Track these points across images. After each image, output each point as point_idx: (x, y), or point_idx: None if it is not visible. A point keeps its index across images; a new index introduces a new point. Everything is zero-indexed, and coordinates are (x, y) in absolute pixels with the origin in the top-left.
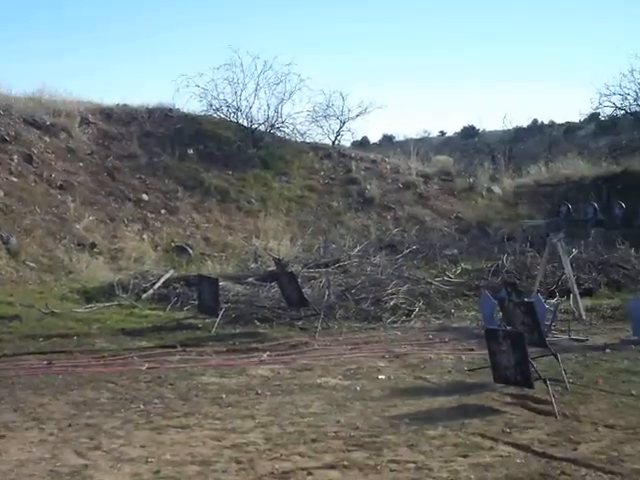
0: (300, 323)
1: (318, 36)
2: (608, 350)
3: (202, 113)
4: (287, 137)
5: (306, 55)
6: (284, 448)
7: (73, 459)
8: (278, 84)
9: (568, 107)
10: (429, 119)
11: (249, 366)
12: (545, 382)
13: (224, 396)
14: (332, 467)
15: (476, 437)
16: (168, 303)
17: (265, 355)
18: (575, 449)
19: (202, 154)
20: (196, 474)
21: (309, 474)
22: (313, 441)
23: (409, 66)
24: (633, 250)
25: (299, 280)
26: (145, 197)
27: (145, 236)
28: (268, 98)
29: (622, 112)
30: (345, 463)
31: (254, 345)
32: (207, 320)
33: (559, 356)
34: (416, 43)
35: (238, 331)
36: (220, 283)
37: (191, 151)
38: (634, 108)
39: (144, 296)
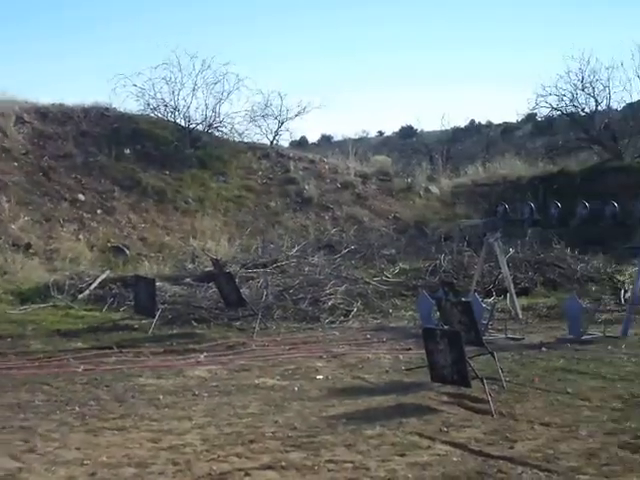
0: (238, 324)
1: (256, 35)
2: (544, 349)
3: (139, 112)
4: (225, 137)
5: (245, 55)
6: (221, 449)
7: (7, 462)
8: (216, 84)
9: (505, 108)
10: (367, 119)
11: (186, 367)
12: (482, 381)
13: (161, 397)
14: (270, 468)
15: (413, 436)
16: (104, 304)
17: (202, 356)
18: (511, 447)
19: (139, 154)
20: (132, 476)
21: (247, 475)
22: (251, 442)
23: (347, 66)
24: (569, 249)
25: (237, 280)
26: (81, 197)
27: (81, 236)
28: (206, 98)
29: (558, 113)
30: (283, 464)
31: (191, 346)
32: (144, 321)
33: (496, 355)
34: (354, 44)
35: (175, 332)
36: (157, 284)
37: (128, 151)
38: (570, 109)
39: (80, 297)
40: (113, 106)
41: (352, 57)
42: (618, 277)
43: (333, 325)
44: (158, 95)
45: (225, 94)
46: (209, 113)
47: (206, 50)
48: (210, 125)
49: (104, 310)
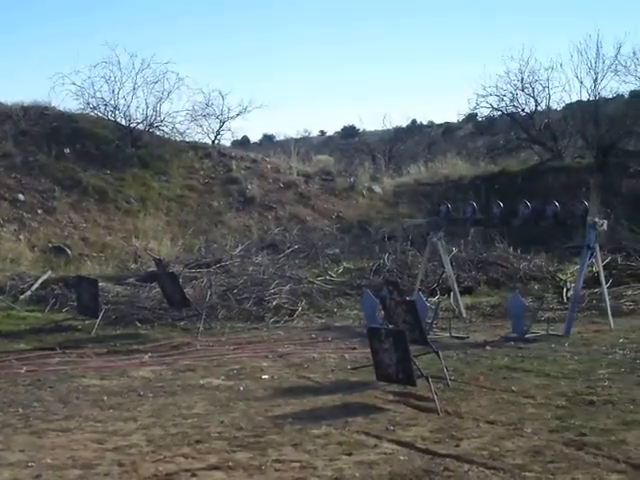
0: (182, 324)
1: (197, 34)
2: (488, 347)
3: (79, 112)
4: (166, 136)
5: (185, 53)
6: (167, 450)
7: None
8: (156, 82)
9: (446, 108)
10: (309, 119)
11: (130, 368)
12: (427, 379)
13: (105, 398)
14: (216, 468)
15: (360, 435)
16: (46, 305)
17: (147, 356)
18: (457, 445)
19: (79, 153)
20: (78, 478)
21: (193, 475)
22: (197, 442)
23: (288, 66)
24: (511, 248)
25: (180, 280)
26: (21, 197)
27: (22, 237)
28: (146, 97)
29: (499, 113)
30: (229, 464)
31: (135, 346)
32: (87, 321)
33: (440, 353)
34: (296, 44)
35: (119, 332)
36: (100, 284)
37: (68, 150)
38: (510, 109)
39: (22, 297)
40: (52, 105)
41: (294, 57)
42: (560, 276)
43: (278, 325)
44: (98, 94)
45: (166, 93)
46: (150, 112)
47: (146, 49)
48: (151, 124)
49: (46, 311)
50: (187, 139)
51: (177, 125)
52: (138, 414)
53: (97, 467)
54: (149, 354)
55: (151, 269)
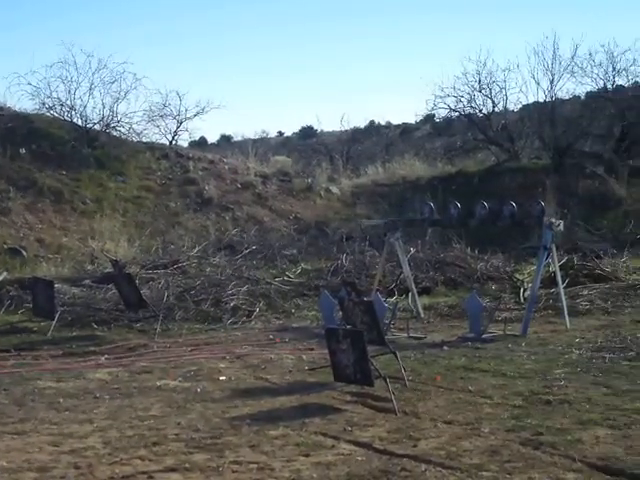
0: (139, 325)
1: (154, 35)
2: (446, 347)
3: (34, 112)
4: (123, 137)
5: (142, 54)
6: (124, 452)
7: None
8: (113, 83)
9: (404, 109)
10: (267, 119)
11: (86, 369)
12: (385, 380)
13: (61, 400)
14: (173, 470)
15: (317, 436)
16: (1, 306)
17: (103, 358)
18: (415, 445)
19: (35, 153)
20: None
21: (150, 478)
22: (153, 444)
23: (246, 66)
24: (469, 249)
25: (137, 282)
26: None
27: None
28: (103, 97)
29: (456, 114)
30: (186, 465)
31: (92, 348)
32: (42, 323)
33: (398, 354)
34: (254, 44)
35: (75, 334)
36: (55, 285)
37: (23, 150)
38: (468, 110)
39: None
40: (8, 105)
41: (251, 57)
42: (517, 276)
43: (235, 326)
44: (54, 94)
45: (123, 93)
46: (106, 112)
47: (103, 50)
48: (108, 125)
49: (1, 312)
50: (144, 140)
51: (134, 126)
52: (94, 416)
53: (53, 470)
54: (105, 356)
55: (108, 270)
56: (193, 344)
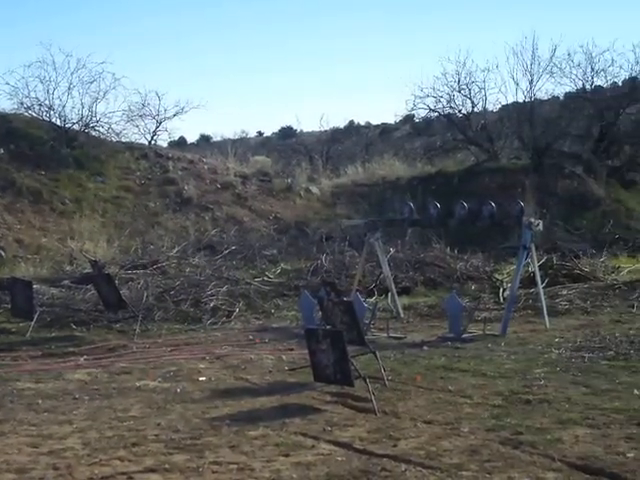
0: (118, 326)
1: (133, 34)
2: (425, 347)
3: (13, 111)
4: (102, 137)
5: (121, 54)
6: (103, 453)
7: None
8: (92, 82)
9: (384, 109)
10: (247, 119)
11: (66, 370)
12: (365, 380)
13: (40, 401)
14: (153, 470)
15: (297, 436)
16: None
17: (82, 359)
18: (395, 445)
19: (13, 154)
20: None
21: (129, 478)
22: (133, 445)
23: (226, 66)
24: (448, 249)
25: (116, 282)
26: None
27: None
28: (82, 97)
29: (436, 114)
30: (166, 466)
31: (71, 349)
32: (21, 324)
33: (378, 354)
34: (234, 44)
35: (54, 335)
36: (34, 286)
37: (1, 150)
38: (447, 110)
39: None
40: None
41: (231, 57)
42: (497, 276)
43: (215, 326)
44: (32, 94)
45: (101, 93)
46: (85, 112)
47: (81, 50)
48: (87, 125)
49: None
50: (123, 140)
51: (113, 125)
52: (73, 417)
53: (32, 471)
54: (85, 356)
55: (87, 271)
56: (173, 344)
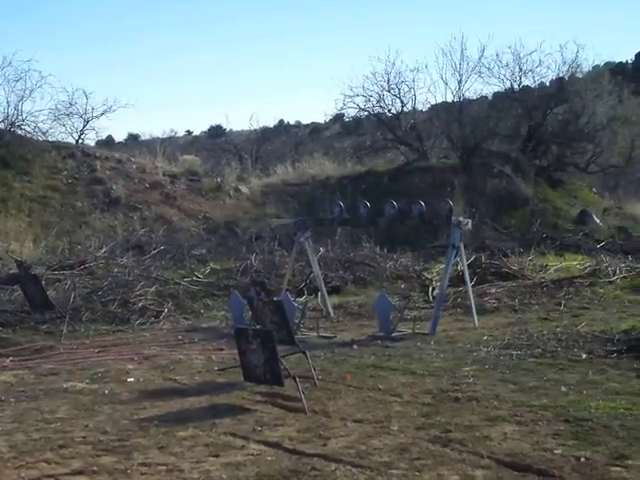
0: (45, 327)
1: (60, 34)
2: (355, 346)
3: None
4: (28, 136)
5: (48, 52)
6: (30, 455)
7: None
8: (18, 81)
9: (314, 108)
10: (176, 118)
11: None
12: (295, 379)
13: None
14: (80, 473)
15: (227, 436)
16: None
17: (8, 360)
18: (325, 444)
19: None
20: None
21: None
22: (60, 447)
23: (154, 65)
24: (378, 248)
25: (43, 282)
26: None
27: None
28: (7, 95)
29: (365, 113)
30: (94, 468)
31: None
32: None
33: (308, 353)
34: (162, 44)
35: None
36: None
37: None
38: (377, 110)
39: None
40: None
41: (159, 57)
42: (426, 275)
43: (144, 327)
44: None
45: (28, 92)
46: (11, 111)
47: (7, 47)
48: (12, 123)
49: None
50: (50, 139)
51: (39, 124)
52: None
53: None
54: (10, 358)
55: (13, 271)
56: (100, 345)
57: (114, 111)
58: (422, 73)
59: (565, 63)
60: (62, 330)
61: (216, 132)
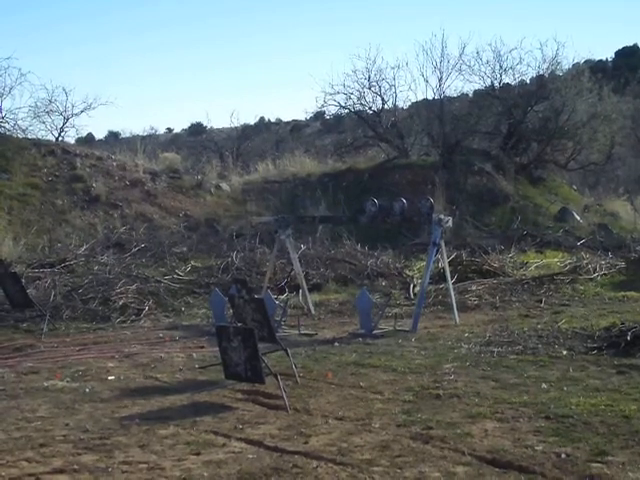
0: (25, 325)
1: (40, 33)
2: (337, 344)
3: None
4: (8, 133)
5: (27, 51)
6: (10, 454)
7: None
8: None
9: (295, 106)
10: (156, 116)
11: None
12: (276, 377)
13: None
14: (61, 471)
15: (208, 434)
16: None
17: None
18: (306, 442)
19: None
20: None
21: None
22: (41, 446)
23: (136, 63)
24: (359, 245)
25: (23, 281)
26: None
27: None
28: None
29: (346, 111)
30: (75, 467)
31: None
32: None
33: (289, 351)
34: (143, 41)
35: None
36: None
37: None
38: (358, 107)
39: None
40: None
41: (140, 54)
42: (407, 272)
43: (124, 325)
44: None
45: (7, 89)
46: None
47: None
48: None
49: None
50: (30, 136)
51: (19, 122)
52: None
53: None
54: None
55: None
56: (81, 343)
57: (94, 109)
58: (403, 70)
59: (545, 61)
60: (42, 328)
61: (197, 129)
